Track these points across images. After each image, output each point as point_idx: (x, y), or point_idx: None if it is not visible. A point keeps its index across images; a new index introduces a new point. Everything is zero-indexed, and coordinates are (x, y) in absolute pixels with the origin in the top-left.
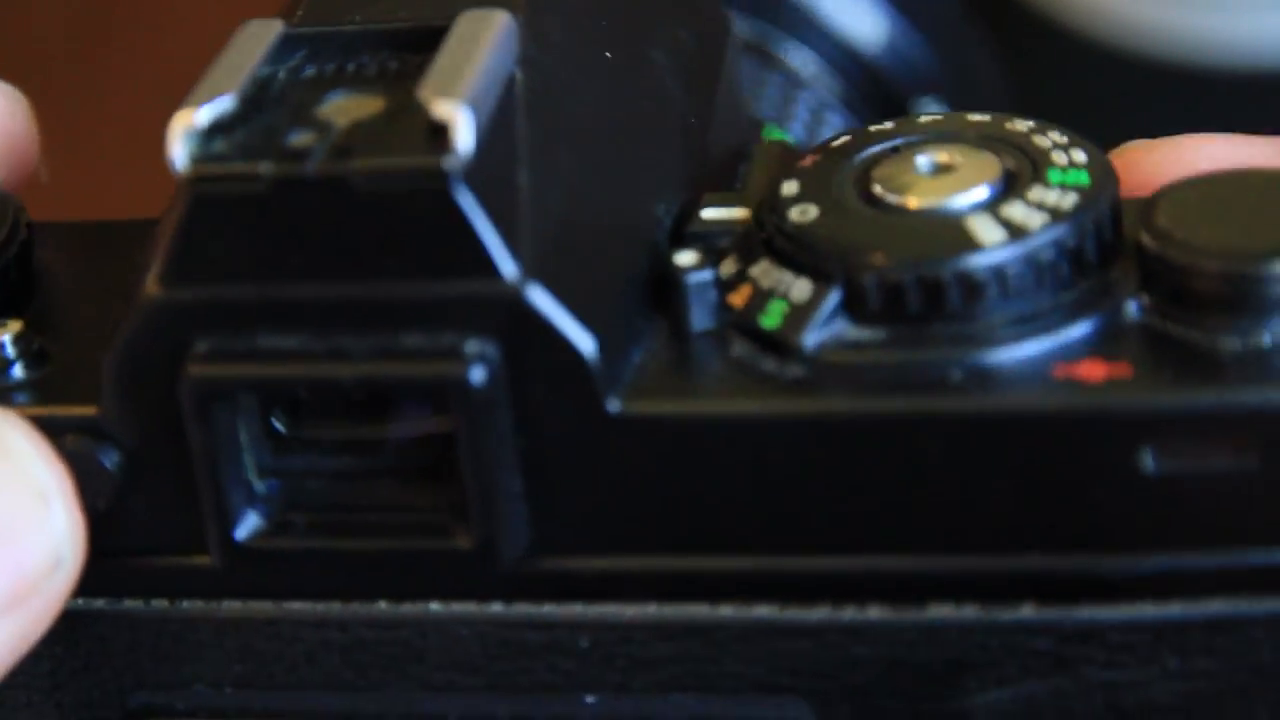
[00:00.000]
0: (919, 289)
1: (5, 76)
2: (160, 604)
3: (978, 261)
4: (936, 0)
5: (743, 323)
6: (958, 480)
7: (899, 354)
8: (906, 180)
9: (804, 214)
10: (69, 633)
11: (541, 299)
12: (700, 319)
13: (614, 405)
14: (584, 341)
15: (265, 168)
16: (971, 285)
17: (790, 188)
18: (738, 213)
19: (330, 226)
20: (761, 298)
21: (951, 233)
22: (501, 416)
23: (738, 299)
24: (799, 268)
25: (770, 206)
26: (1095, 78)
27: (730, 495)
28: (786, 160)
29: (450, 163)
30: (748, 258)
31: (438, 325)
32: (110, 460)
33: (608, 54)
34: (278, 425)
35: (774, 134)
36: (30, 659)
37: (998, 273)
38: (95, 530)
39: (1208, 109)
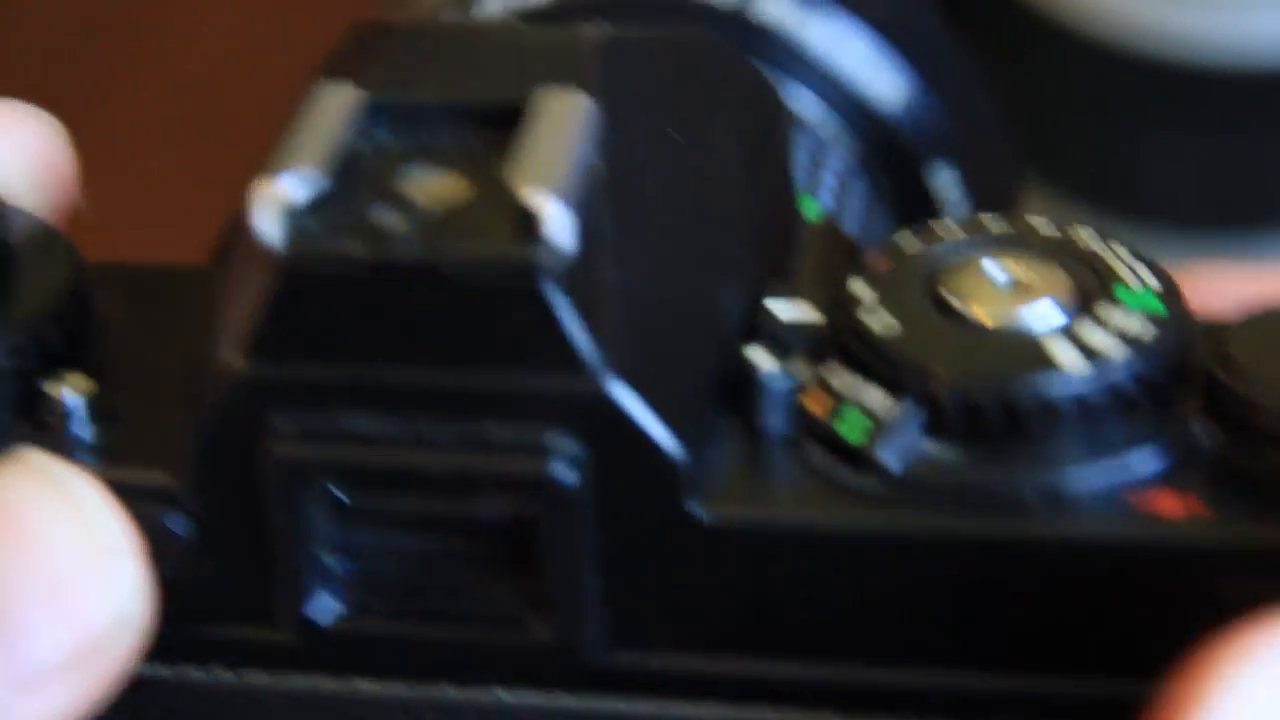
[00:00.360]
0: (1000, 411)
1: (3, 79)
2: (226, 676)
3: (1059, 387)
4: (953, 62)
5: (820, 431)
6: (1031, 603)
7: (976, 473)
8: (981, 293)
9: (880, 323)
10: (131, 699)
11: (627, 398)
12: (776, 422)
13: (695, 508)
14: (668, 442)
15: (359, 250)
16: (1052, 410)
17: (861, 291)
18: (808, 312)
19: (420, 313)
20: (839, 407)
21: (1031, 354)
22: (584, 513)
23: (814, 405)
24: (878, 379)
25: (843, 310)
26: (1095, 78)
27: (804, 603)
28: (841, 249)
29: (541, 257)
30: (821, 361)
31: (523, 418)
32: (182, 528)
33: (675, 135)
34: (356, 505)
35: (811, 207)
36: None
37: (1079, 400)
38: (163, 597)
39: (1208, 109)
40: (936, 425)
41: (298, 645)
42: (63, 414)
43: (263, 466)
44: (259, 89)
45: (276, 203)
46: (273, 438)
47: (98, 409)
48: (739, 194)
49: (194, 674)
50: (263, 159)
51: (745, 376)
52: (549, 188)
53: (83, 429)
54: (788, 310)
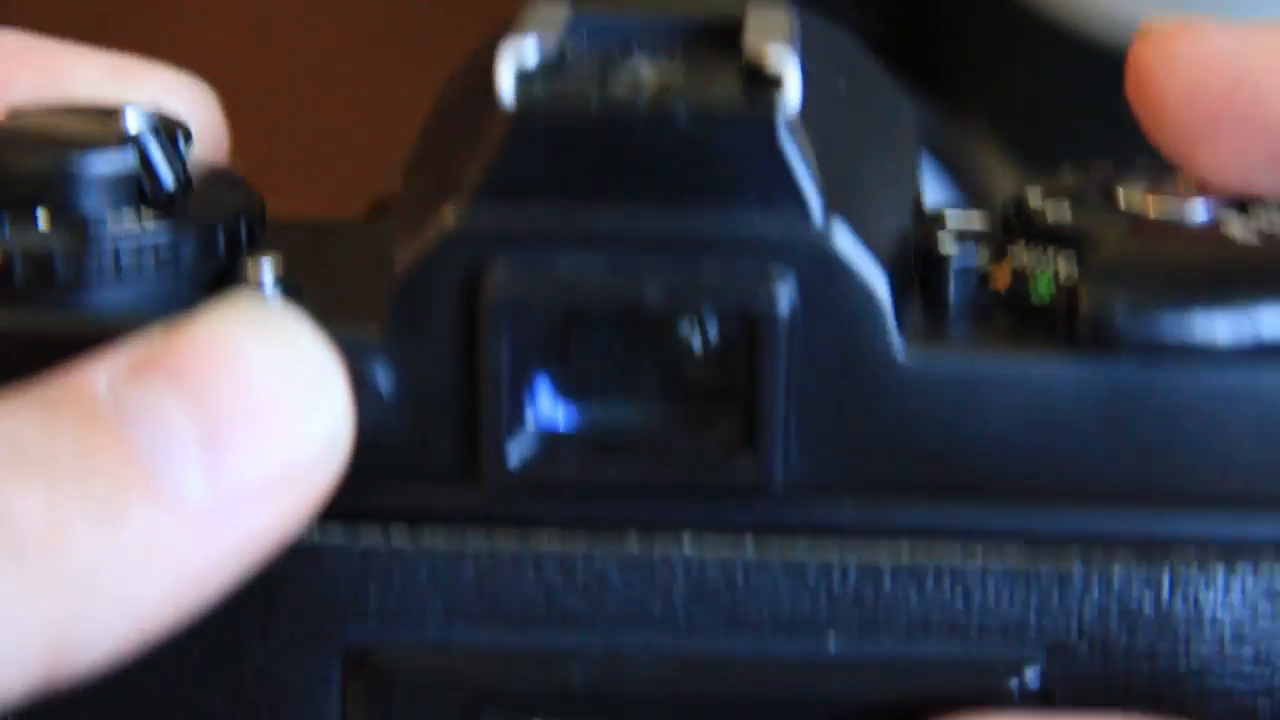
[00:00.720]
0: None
1: None
2: (401, 535)
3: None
4: (986, 174)
5: (1008, 299)
6: (1220, 437)
7: (1169, 329)
8: (1141, 195)
9: (1057, 211)
10: (293, 556)
11: (846, 240)
12: (963, 295)
13: (899, 349)
14: (879, 285)
15: (590, 100)
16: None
17: (1035, 195)
18: (979, 217)
19: (650, 159)
20: (1026, 276)
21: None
22: (794, 350)
23: (996, 282)
24: (1064, 244)
25: (1018, 208)
26: (1095, 78)
27: (1000, 444)
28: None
29: (780, 104)
30: (999, 249)
31: (742, 255)
32: (384, 381)
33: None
34: (571, 343)
35: None
36: (247, 581)
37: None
38: (355, 454)
39: None
40: (1113, 281)
41: (492, 494)
42: (259, 283)
43: (479, 307)
44: (258, 89)
45: (513, 61)
46: (493, 278)
47: (289, 286)
48: (898, 131)
49: (366, 533)
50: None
51: (931, 255)
52: (786, 45)
53: (273, 296)
54: (961, 216)
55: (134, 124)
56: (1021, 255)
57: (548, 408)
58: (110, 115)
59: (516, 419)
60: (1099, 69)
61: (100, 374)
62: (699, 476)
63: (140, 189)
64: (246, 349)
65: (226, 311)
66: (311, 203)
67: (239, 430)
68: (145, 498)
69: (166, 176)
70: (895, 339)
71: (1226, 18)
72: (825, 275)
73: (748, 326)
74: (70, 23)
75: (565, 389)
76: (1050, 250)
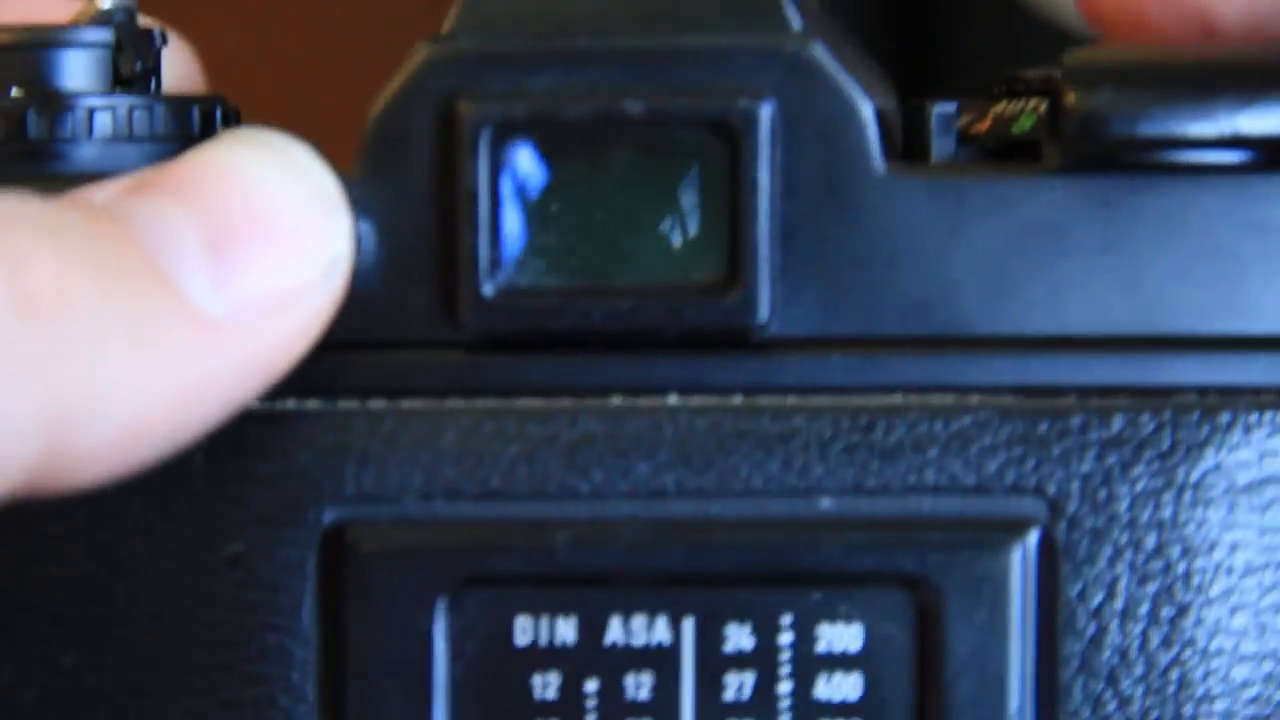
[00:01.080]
0: None
1: None
2: (377, 403)
3: None
4: None
5: (990, 138)
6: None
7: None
8: None
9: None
10: (270, 426)
11: (827, 58)
12: (943, 147)
13: (883, 166)
14: (862, 101)
15: None
16: None
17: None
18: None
19: None
20: (1007, 119)
21: None
22: (777, 166)
23: (978, 128)
24: (1041, 92)
25: (1000, 83)
26: None
27: (989, 272)
28: None
29: None
30: (980, 111)
31: (725, 70)
32: (362, 225)
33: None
34: (553, 159)
35: None
36: (217, 460)
37: None
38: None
39: None
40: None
41: (472, 334)
42: None
43: (456, 133)
44: (259, 90)
45: None
46: (471, 100)
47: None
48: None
49: (341, 403)
50: None
51: (912, 106)
52: None
53: None
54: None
55: (108, 5)
56: (1002, 107)
57: (530, 231)
58: (85, 5)
59: (495, 254)
60: None
61: (97, 193)
62: (677, 307)
63: (116, 69)
64: (251, 168)
65: (228, 137)
66: None
67: (245, 242)
68: (153, 287)
69: (142, 53)
70: (879, 156)
71: None
72: (807, 93)
73: (729, 139)
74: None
75: (549, 211)
76: (1031, 99)
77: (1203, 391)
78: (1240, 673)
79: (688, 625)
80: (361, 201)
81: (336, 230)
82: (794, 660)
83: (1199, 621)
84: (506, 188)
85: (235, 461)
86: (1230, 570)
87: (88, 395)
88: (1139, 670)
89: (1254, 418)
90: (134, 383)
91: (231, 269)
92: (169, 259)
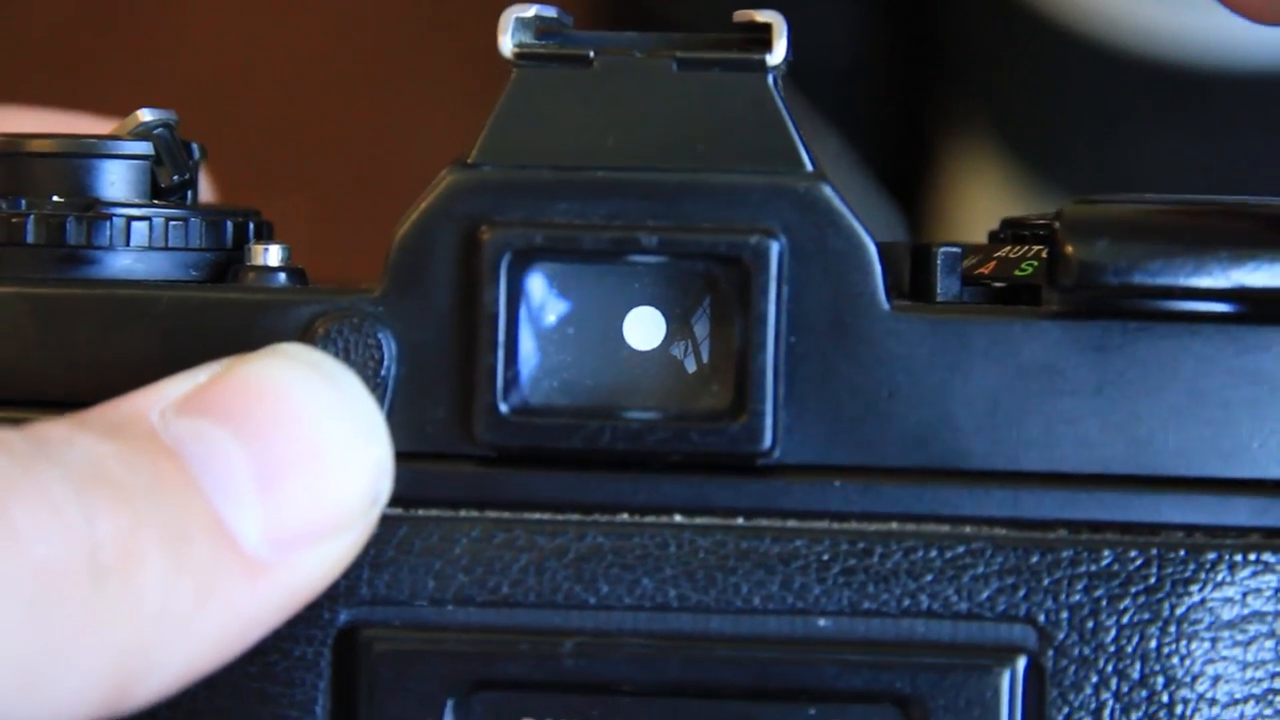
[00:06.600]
0: None
1: (1, 74)
2: (394, 510)
3: None
4: None
5: (993, 278)
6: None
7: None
8: None
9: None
10: None
11: (835, 198)
12: (948, 287)
13: (886, 303)
14: (868, 240)
15: (586, 50)
16: None
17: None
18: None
19: (645, 110)
20: (1011, 261)
21: None
22: (785, 301)
23: (983, 269)
24: (1044, 241)
25: (1003, 228)
26: (1096, 78)
27: (987, 407)
28: None
29: (772, 58)
30: (985, 255)
31: (736, 209)
32: (387, 349)
33: None
34: (559, 297)
35: None
36: None
37: None
38: None
39: (1206, 109)
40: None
41: (490, 443)
42: (264, 266)
43: (480, 256)
44: (260, 89)
45: (518, 19)
46: (492, 226)
47: (293, 272)
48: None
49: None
50: None
51: (917, 248)
52: (773, 10)
53: (281, 279)
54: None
55: (149, 119)
56: (1005, 250)
57: (543, 352)
58: (127, 119)
59: (510, 374)
60: (1099, 69)
61: (152, 405)
62: (683, 432)
63: (154, 181)
64: (298, 394)
65: (279, 355)
66: (312, 202)
67: (293, 479)
68: (212, 541)
69: (180, 167)
70: (883, 293)
71: (1226, 18)
72: (816, 230)
73: (740, 273)
74: (75, 24)
75: (559, 344)
76: (1035, 246)
77: (1189, 530)
78: None
79: None
80: (385, 318)
81: (379, 469)
82: None
83: None
84: (524, 311)
85: None
86: (1213, 701)
87: (150, 650)
88: None
89: (1238, 557)
90: (191, 631)
91: (278, 508)
92: (223, 503)
